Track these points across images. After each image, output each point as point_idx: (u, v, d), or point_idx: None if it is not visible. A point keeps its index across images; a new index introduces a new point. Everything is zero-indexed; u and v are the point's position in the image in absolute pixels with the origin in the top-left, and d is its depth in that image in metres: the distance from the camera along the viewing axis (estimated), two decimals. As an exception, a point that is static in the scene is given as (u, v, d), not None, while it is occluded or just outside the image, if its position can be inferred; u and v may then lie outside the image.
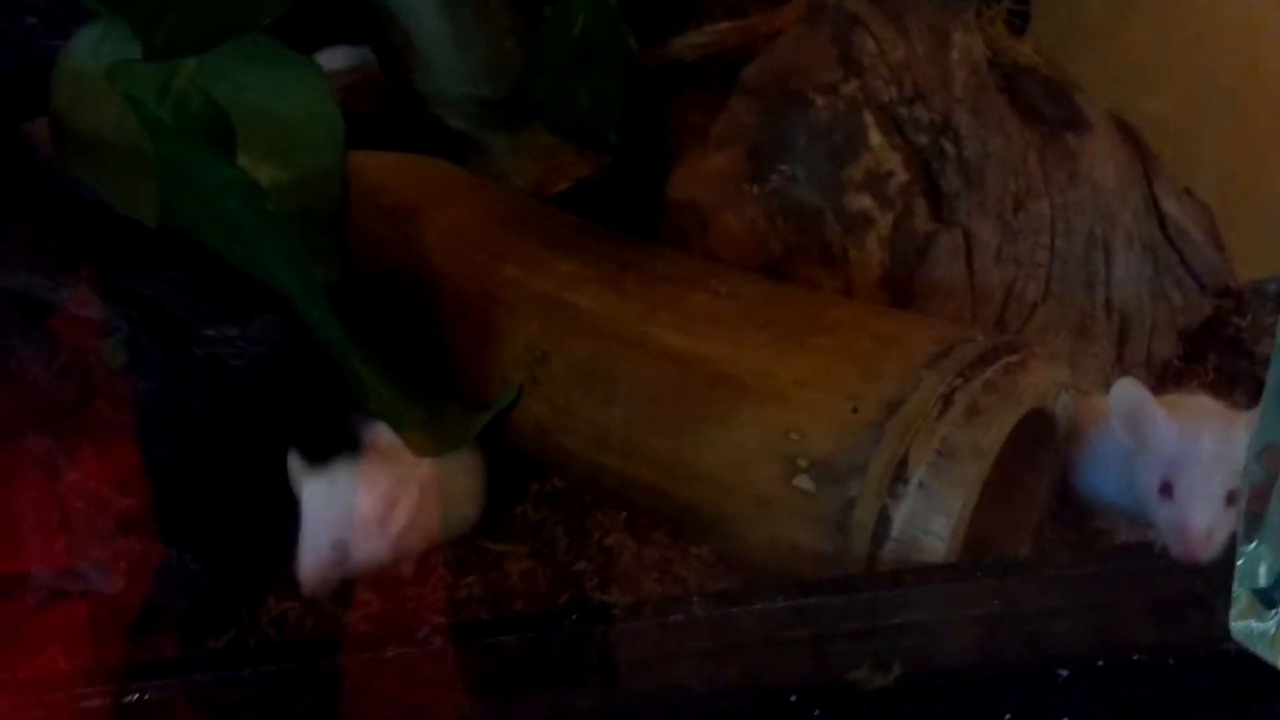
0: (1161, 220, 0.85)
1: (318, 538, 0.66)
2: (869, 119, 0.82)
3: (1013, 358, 0.62)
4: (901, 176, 0.80)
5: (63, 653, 0.64)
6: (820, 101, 0.83)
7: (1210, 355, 0.86)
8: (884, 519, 0.59)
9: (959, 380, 0.61)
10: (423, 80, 0.94)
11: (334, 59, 0.98)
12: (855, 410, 0.61)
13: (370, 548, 0.66)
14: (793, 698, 0.55)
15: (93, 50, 0.79)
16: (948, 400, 0.60)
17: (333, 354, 0.66)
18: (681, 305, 0.71)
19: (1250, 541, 0.50)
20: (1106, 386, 0.69)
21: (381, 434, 0.71)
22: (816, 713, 0.55)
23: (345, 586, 0.69)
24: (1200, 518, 0.58)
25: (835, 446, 0.61)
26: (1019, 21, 1.07)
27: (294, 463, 0.67)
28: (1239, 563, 0.50)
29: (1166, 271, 0.85)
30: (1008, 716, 0.55)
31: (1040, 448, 0.65)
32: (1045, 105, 0.86)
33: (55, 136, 0.78)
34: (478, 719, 0.57)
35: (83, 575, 0.65)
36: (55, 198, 0.73)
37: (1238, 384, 0.83)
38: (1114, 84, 0.97)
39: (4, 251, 0.67)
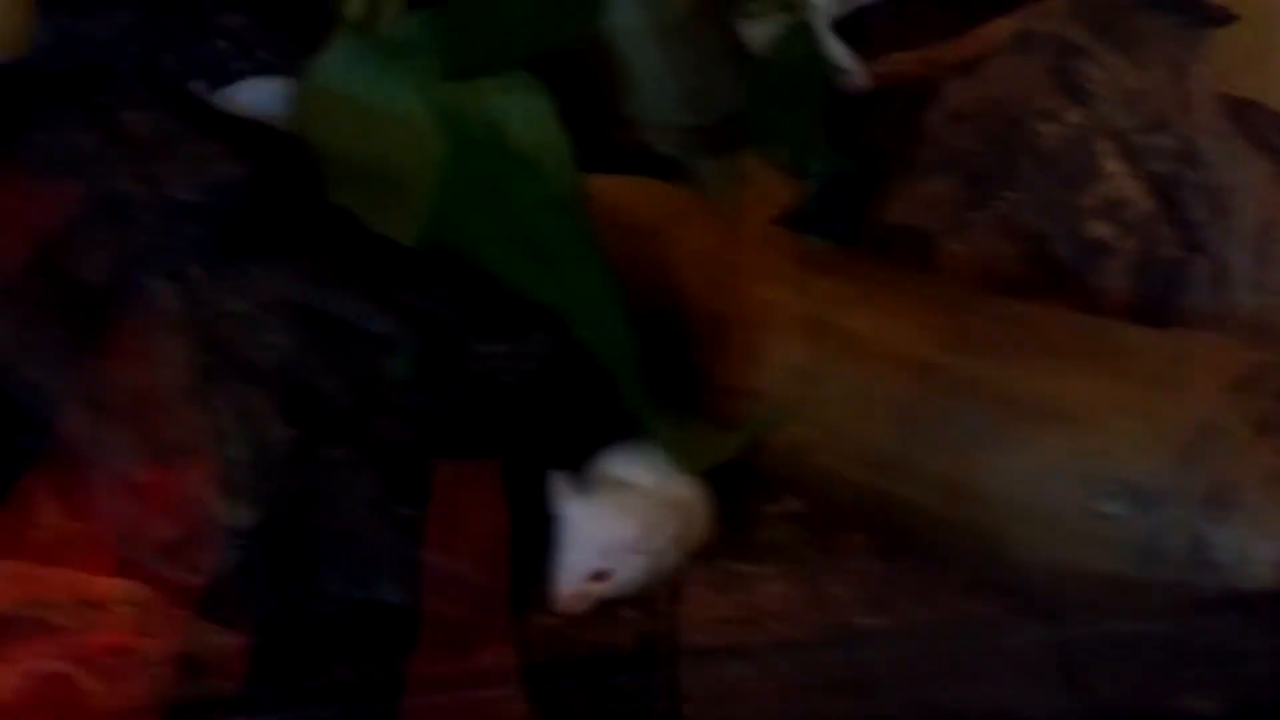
0: (1394, 253, 0.85)
1: (578, 561, 0.67)
2: (1102, 146, 0.82)
3: (1321, 382, 0.62)
4: (1143, 205, 0.80)
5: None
6: (1044, 129, 0.84)
7: None
8: (1201, 545, 0.59)
9: (1273, 403, 0.61)
10: (632, 106, 0.95)
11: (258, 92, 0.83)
12: (1163, 433, 0.61)
13: (629, 572, 0.67)
14: (1122, 723, 0.55)
15: (343, 71, 0.81)
16: (1265, 424, 0.60)
17: (616, 371, 0.67)
18: (957, 327, 0.71)
19: None
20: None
21: (638, 456, 0.72)
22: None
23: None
24: None
25: (1144, 470, 0.61)
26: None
27: (558, 484, 0.68)
28: None
29: (1403, 305, 0.84)
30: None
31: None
32: (1273, 135, 0.86)
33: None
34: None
35: (368, 586, 0.65)
36: (320, 214, 0.75)
37: None
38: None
39: (293, 267, 0.68)
